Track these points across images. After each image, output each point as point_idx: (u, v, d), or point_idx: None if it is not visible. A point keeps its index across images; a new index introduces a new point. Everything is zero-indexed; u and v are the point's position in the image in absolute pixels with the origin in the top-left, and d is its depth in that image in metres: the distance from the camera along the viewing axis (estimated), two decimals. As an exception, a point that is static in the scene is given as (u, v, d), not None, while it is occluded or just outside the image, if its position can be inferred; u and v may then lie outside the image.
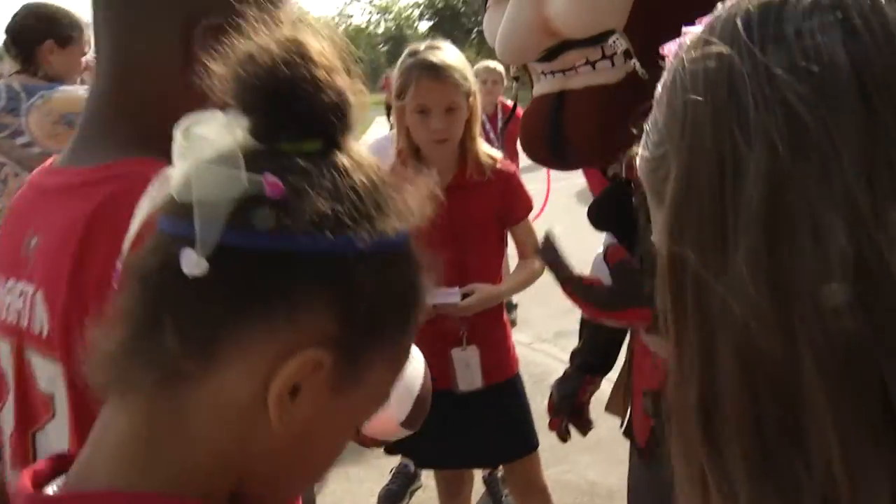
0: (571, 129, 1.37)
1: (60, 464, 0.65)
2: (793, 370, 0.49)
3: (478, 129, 2.35)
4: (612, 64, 1.31)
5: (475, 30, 51.42)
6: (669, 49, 0.63)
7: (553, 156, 1.44)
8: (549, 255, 1.38)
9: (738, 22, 0.52)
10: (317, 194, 0.60)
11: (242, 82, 0.62)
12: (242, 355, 0.60)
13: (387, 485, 3.36)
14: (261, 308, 0.59)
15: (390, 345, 0.66)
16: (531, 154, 1.48)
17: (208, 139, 0.61)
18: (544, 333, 5.28)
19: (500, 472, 3.33)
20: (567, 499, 3.31)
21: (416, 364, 1.57)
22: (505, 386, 2.43)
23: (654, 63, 1.25)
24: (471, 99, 2.29)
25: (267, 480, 0.66)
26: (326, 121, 0.63)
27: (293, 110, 0.62)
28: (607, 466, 3.59)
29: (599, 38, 1.29)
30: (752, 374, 0.51)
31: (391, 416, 1.55)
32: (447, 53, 2.30)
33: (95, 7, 1.01)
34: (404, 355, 0.70)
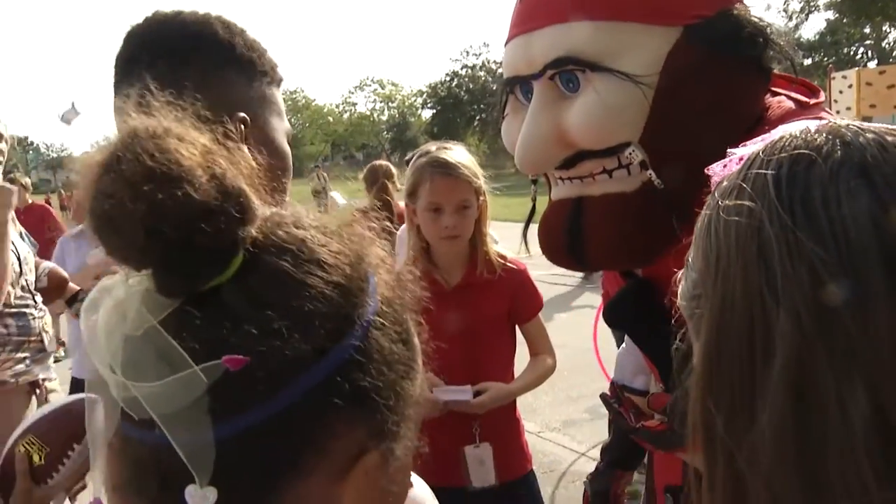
0: (590, 235, 1.41)
1: None
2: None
3: (487, 228, 2.40)
4: (629, 173, 1.36)
5: (477, 118, 52.28)
6: (714, 170, 0.65)
7: (573, 260, 1.48)
8: (611, 409, 1.41)
9: (769, 178, 0.54)
10: (277, 333, 0.54)
11: (122, 244, 0.54)
12: None
13: None
14: (289, 468, 0.55)
15: (408, 390, 0.63)
16: (551, 257, 1.51)
17: (132, 342, 0.54)
18: (552, 422, 5.24)
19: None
20: None
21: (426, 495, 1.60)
22: (519, 483, 2.42)
23: (669, 172, 1.30)
24: (481, 198, 2.34)
25: None
26: (229, 230, 0.55)
27: (188, 249, 0.54)
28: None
29: (615, 150, 1.34)
30: None
31: None
32: (458, 153, 2.36)
33: None
34: (419, 383, 0.66)
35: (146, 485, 0.55)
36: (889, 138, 0.55)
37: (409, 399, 0.63)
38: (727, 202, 0.56)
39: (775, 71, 1.41)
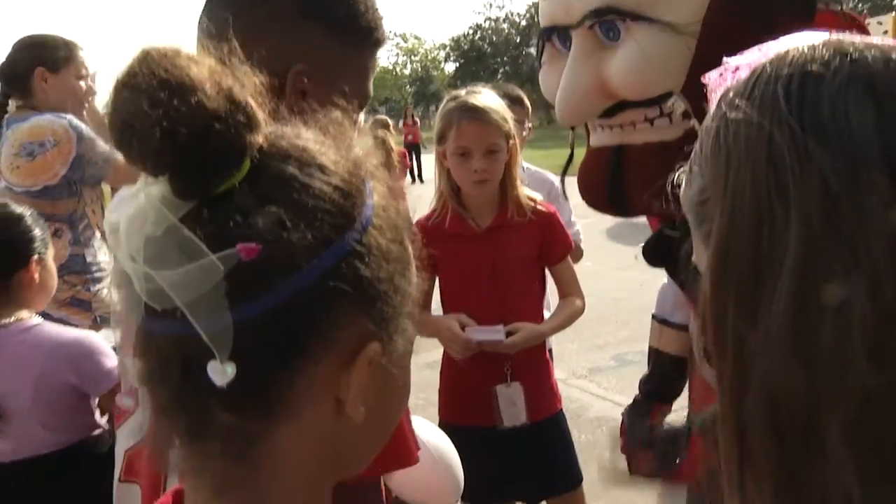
0: (631, 183, 1.41)
1: (177, 500, 0.69)
2: (815, 415, 0.55)
3: (517, 172, 2.41)
4: (671, 121, 1.36)
5: (500, 70, 51.77)
6: (709, 78, 0.68)
7: (613, 206, 1.49)
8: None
9: (779, 91, 0.58)
10: (286, 223, 0.59)
11: (141, 148, 0.58)
12: (304, 395, 0.62)
13: None
14: (298, 354, 0.61)
15: (405, 286, 0.68)
16: (591, 203, 1.53)
17: (154, 239, 0.59)
18: (579, 369, 5.29)
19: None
20: (609, 534, 3.31)
21: (452, 454, 1.67)
22: (549, 422, 2.47)
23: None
24: (511, 142, 2.36)
25: (358, 461, 0.71)
26: (238, 134, 0.60)
27: (201, 152, 0.59)
28: (649, 500, 3.59)
29: (657, 100, 1.34)
30: (777, 414, 0.56)
31: (448, 491, 1.64)
32: (487, 97, 2.37)
33: None
34: (414, 284, 0.71)
35: (169, 373, 0.60)
36: (894, 55, 0.58)
37: (407, 295, 0.68)
38: (736, 114, 0.59)
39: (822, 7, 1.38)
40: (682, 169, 0.71)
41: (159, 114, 0.56)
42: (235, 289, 0.57)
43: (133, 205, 0.61)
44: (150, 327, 0.61)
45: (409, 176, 17.42)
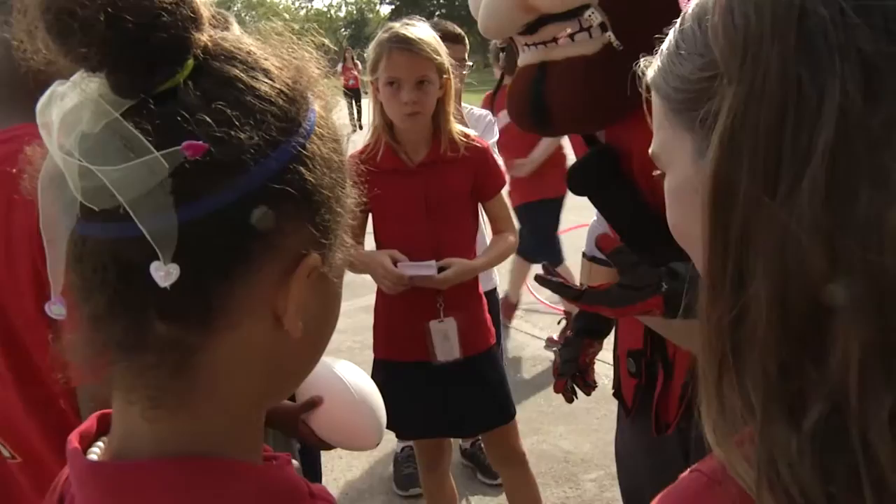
0: (553, 98, 1.42)
1: (104, 423, 0.68)
2: (829, 301, 0.53)
3: (451, 107, 2.38)
4: (590, 36, 1.36)
5: (437, 13, 51.20)
6: None
7: (537, 123, 1.50)
8: (550, 284, 1.43)
9: None
10: (232, 123, 0.57)
11: (83, 37, 0.55)
12: (244, 305, 0.60)
13: (401, 470, 3.38)
14: (242, 259, 0.59)
15: (344, 199, 0.67)
16: (518, 122, 1.53)
17: (92, 135, 0.56)
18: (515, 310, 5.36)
19: (478, 442, 3.40)
20: (542, 467, 3.38)
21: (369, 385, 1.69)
22: (482, 357, 2.48)
23: (628, 34, 1.30)
24: (444, 76, 2.32)
25: (294, 378, 0.70)
26: (185, 29, 0.58)
27: (146, 45, 0.56)
28: (580, 436, 3.67)
29: (576, 12, 1.34)
30: (787, 301, 0.54)
31: (369, 433, 1.66)
32: (420, 29, 2.33)
33: None
34: (351, 197, 0.70)
35: (105, 279, 0.58)
36: None
37: (346, 207, 0.68)
38: None
39: None
40: (646, 57, 0.68)
41: (103, 2, 0.53)
42: (180, 187, 0.55)
43: (68, 100, 0.58)
44: (85, 231, 0.58)
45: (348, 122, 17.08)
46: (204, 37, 0.60)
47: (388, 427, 2.61)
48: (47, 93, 0.60)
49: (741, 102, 0.56)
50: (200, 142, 0.55)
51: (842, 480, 0.53)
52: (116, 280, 0.57)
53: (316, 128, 0.63)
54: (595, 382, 1.96)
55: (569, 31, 1.37)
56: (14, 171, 0.62)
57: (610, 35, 1.34)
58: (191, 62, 0.59)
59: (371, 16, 64.66)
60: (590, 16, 1.34)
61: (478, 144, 2.43)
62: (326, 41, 0.67)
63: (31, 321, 1.27)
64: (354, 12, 67.46)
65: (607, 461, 3.45)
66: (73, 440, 0.64)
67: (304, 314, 0.63)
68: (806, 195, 0.52)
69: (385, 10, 61.65)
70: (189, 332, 0.59)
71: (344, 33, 65.34)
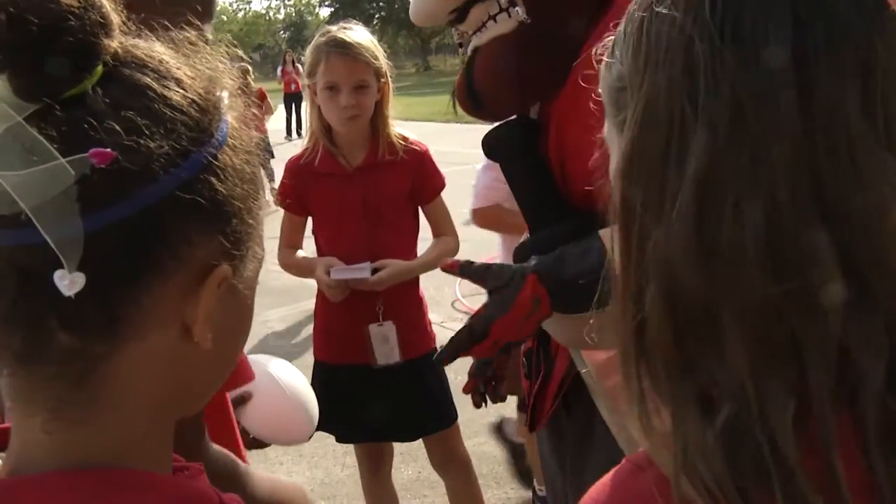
0: (477, 79, 1.47)
1: (1, 439, 0.65)
2: (712, 312, 0.57)
3: (389, 110, 2.39)
4: (509, 15, 1.40)
5: (376, 16, 51.12)
6: None
7: (473, 108, 1.52)
8: (468, 272, 1.42)
9: None
10: (141, 132, 0.56)
11: None
12: (150, 315, 0.59)
13: None
14: (149, 269, 0.58)
15: (256, 210, 0.66)
16: (462, 108, 1.56)
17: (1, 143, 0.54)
18: (455, 313, 5.37)
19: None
20: (484, 469, 3.39)
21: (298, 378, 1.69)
22: (423, 360, 2.47)
23: (539, 8, 1.34)
24: (382, 80, 2.33)
25: (204, 390, 0.69)
26: (93, 34, 0.57)
27: (51, 49, 0.55)
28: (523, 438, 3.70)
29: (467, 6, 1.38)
30: (676, 311, 0.58)
31: (300, 426, 1.65)
32: (357, 33, 2.33)
33: None
34: (263, 211, 0.70)
35: (4, 287, 0.56)
36: None
37: (258, 219, 0.67)
38: (661, 9, 0.59)
39: None
40: (600, 48, 0.70)
41: (9, 2, 0.52)
42: (87, 195, 0.54)
43: None
44: None
45: (286, 129, 16.69)
46: (114, 43, 0.59)
47: (328, 431, 2.62)
48: None
49: (637, 123, 0.59)
50: (108, 150, 0.54)
51: (752, 476, 0.55)
52: (16, 289, 0.55)
53: (228, 139, 0.63)
54: (506, 396, 1.93)
55: (489, 13, 1.41)
56: None
57: (518, 10, 1.38)
58: (100, 68, 0.58)
59: (310, 18, 64.27)
60: None
61: (416, 147, 2.44)
62: (241, 52, 0.66)
63: None
64: (293, 14, 66.97)
65: (548, 461, 3.48)
66: None
67: (214, 326, 0.62)
68: (679, 220, 0.56)
69: (324, 12, 61.37)
70: (92, 343, 0.58)
71: (283, 36, 64.89)
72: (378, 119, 2.36)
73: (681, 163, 0.56)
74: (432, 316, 2.68)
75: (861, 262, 0.55)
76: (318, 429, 2.58)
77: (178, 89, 0.60)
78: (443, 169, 2.55)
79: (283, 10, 68.33)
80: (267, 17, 67.12)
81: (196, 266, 0.60)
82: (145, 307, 0.58)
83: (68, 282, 0.53)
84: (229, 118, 0.64)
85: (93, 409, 0.60)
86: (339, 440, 2.70)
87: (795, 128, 0.54)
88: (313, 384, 2.54)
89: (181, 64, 0.63)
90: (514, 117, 1.55)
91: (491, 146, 1.54)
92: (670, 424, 0.60)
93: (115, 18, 0.59)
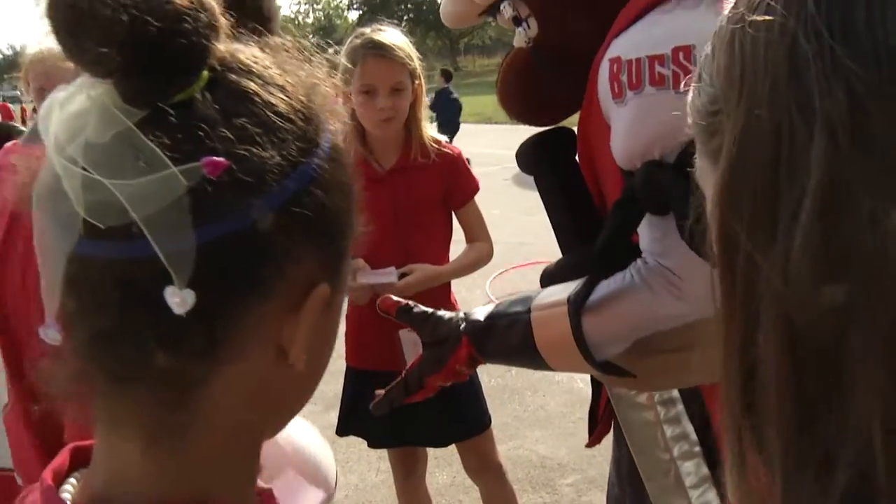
0: (498, 93, 1.46)
1: (78, 457, 0.62)
2: (838, 347, 0.49)
3: (423, 112, 2.37)
4: (522, 29, 1.36)
5: (405, 17, 51.28)
6: None
7: (504, 108, 1.50)
8: (406, 318, 1.42)
9: None
10: (254, 141, 0.54)
11: (101, 38, 0.51)
12: (251, 335, 0.56)
13: None
14: (253, 287, 0.55)
15: (354, 226, 0.64)
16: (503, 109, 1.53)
17: (101, 145, 0.52)
18: (488, 316, 5.34)
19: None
20: (519, 473, 3.37)
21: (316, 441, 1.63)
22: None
23: (547, 28, 1.29)
24: (416, 81, 2.31)
25: (290, 411, 0.66)
26: (205, 38, 0.55)
27: (165, 51, 0.53)
28: (556, 441, 3.66)
29: (497, 4, 1.34)
30: (795, 349, 0.51)
31: (319, 484, 1.61)
32: (392, 34, 2.31)
33: None
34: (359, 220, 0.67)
35: (106, 304, 0.53)
36: None
37: (353, 235, 0.64)
38: (755, 16, 0.53)
39: None
40: (689, 78, 0.64)
41: (128, 3, 0.50)
42: (198, 206, 0.51)
43: (71, 105, 0.54)
44: (87, 250, 0.53)
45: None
46: (221, 47, 0.57)
47: (360, 436, 2.60)
48: (48, 100, 0.56)
49: (737, 143, 0.53)
50: (222, 159, 0.52)
51: None
52: (117, 304, 0.53)
53: (332, 148, 0.60)
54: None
55: (507, 18, 1.37)
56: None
57: (520, 30, 1.33)
58: (206, 73, 0.56)
59: (339, 22, 64.59)
60: (503, 9, 1.33)
61: (449, 151, 2.41)
62: (343, 59, 0.63)
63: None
64: (322, 18, 67.33)
65: (584, 465, 3.45)
66: (47, 477, 0.59)
67: (313, 347, 0.60)
68: (802, 237, 0.50)
69: (353, 15, 61.65)
70: (191, 364, 0.55)
71: (312, 40, 65.28)
72: (412, 121, 2.34)
73: (796, 177, 0.50)
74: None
75: None
76: (350, 433, 2.59)
77: (282, 97, 0.58)
78: (473, 170, 2.53)
79: (311, 15, 68.71)
80: (296, 21, 67.57)
81: (298, 285, 0.58)
82: (247, 328, 0.56)
83: (179, 299, 0.51)
84: (331, 128, 0.61)
85: (188, 434, 0.57)
86: (370, 445, 2.68)
87: None
88: (345, 389, 2.55)
89: (283, 71, 0.60)
90: (550, 129, 1.50)
91: (521, 161, 1.49)
92: (772, 486, 0.53)
93: (223, 21, 0.57)
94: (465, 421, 2.50)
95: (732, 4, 0.57)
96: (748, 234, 0.52)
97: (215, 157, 0.51)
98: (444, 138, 2.47)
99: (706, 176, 0.60)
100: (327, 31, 63.03)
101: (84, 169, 0.51)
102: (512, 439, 3.66)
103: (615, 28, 1.17)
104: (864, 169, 0.48)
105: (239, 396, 0.58)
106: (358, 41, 2.30)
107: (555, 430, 3.74)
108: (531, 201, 4.80)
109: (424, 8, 48.84)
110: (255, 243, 0.54)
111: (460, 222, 2.51)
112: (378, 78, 2.25)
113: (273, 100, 0.57)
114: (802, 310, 0.50)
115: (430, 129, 2.42)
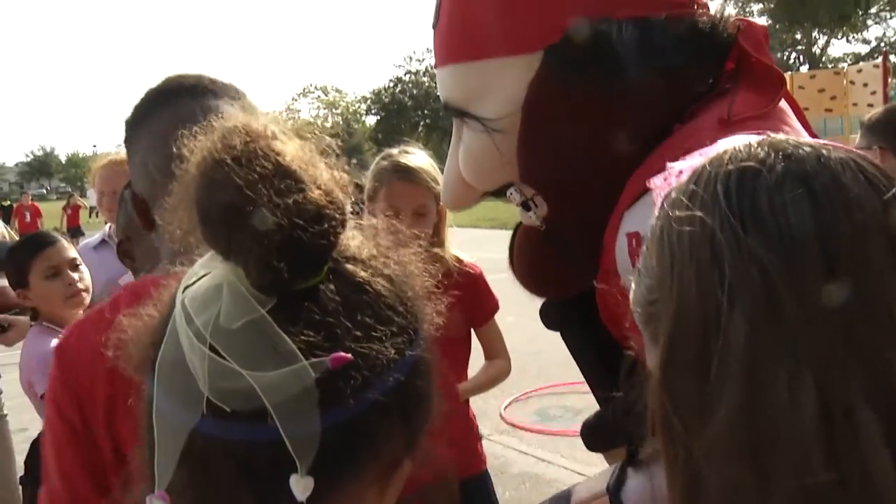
0: (512, 262, 1.44)
1: None
2: None
3: (446, 233, 2.43)
4: (530, 210, 1.33)
5: (421, 123, 52.16)
6: (654, 183, 0.69)
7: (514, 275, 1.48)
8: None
9: (719, 189, 0.59)
10: (371, 336, 0.57)
11: (253, 233, 0.54)
12: None
13: None
14: (352, 469, 0.58)
15: (432, 411, 0.66)
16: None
17: (233, 331, 0.55)
18: (501, 425, 5.30)
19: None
20: None
21: None
22: (472, 482, 2.45)
23: (558, 209, 1.28)
24: (440, 204, 2.37)
25: None
26: (335, 233, 0.59)
27: (303, 246, 0.56)
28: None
29: (503, 190, 1.32)
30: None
31: None
32: (419, 158, 2.39)
33: None
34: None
35: (217, 481, 0.55)
36: (824, 151, 0.60)
37: (433, 414, 0.67)
38: (679, 213, 0.60)
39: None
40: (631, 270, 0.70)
41: (274, 200, 0.54)
42: (323, 396, 0.55)
43: (202, 281, 0.57)
44: (210, 429, 0.55)
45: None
46: (352, 262, 0.60)
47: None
48: (183, 280, 0.58)
49: (672, 323, 0.59)
50: (348, 354, 0.55)
51: None
52: (229, 484, 0.55)
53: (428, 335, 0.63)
54: None
55: (514, 202, 1.34)
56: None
57: (530, 215, 1.30)
58: (327, 263, 0.59)
59: (357, 126, 65.80)
60: (510, 195, 1.31)
61: (470, 270, 2.46)
62: (369, 179, 0.64)
63: (80, 498, 1.05)
64: (341, 122, 68.49)
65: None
66: None
67: None
68: (728, 411, 0.55)
69: (371, 120, 62.82)
70: None
71: (334, 143, 66.01)
72: (436, 241, 2.39)
73: (722, 360, 0.55)
74: (479, 429, 2.65)
75: None
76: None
77: (389, 287, 0.61)
78: (488, 277, 2.55)
79: (330, 119, 69.98)
80: (316, 126, 68.58)
81: (385, 463, 0.60)
82: (345, 502, 0.58)
83: (302, 487, 0.53)
84: (427, 315, 0.65)
85: None
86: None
87: (832, 298, 0.54)
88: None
89: (385, 258, 0.64)
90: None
91: (546, 319, 1.48)
92: None
93: (348, 211, 0.60)
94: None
95: (660, 205, 0.64)
96: (685, 414, 0.58)
97: (342, 354, 0.55)
98: (465, 256, 2.52)
99: (651, 358, 0.66)
100: (346, 134, 64.10)
101: (214, 350, 0.54)
102: (526, 557, 3.58)
103: (623, 202, 1.15)
104: (778, 339, 0.55)
105: None
106: (385, 163, 2.37)
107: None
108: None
109: (441, 114, 49.76)
110: (361, 429, 0.57)
111: (479, 339, 2.55)
112: (402, 200, 2.31)
113: (383, 290, 0.61)
114: (732, 483, 0.55)
115: (452, 248, 2.47)
